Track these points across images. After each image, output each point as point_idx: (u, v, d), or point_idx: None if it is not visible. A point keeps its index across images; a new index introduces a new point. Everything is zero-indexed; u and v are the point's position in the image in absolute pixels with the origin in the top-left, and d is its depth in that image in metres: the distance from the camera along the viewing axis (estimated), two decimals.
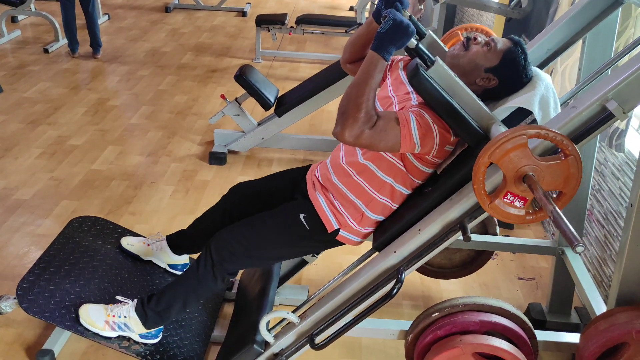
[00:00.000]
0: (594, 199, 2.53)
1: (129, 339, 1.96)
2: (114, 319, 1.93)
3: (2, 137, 3.72)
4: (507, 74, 1.65)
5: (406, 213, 1.73)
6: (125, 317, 1.93)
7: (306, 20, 5.49)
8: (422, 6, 4.76)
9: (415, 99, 1.69)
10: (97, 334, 1.92)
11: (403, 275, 1.61)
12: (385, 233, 1.77)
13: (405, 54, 1.68)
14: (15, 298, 1.95)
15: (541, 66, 1.99)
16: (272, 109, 3.60)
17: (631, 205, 1.58)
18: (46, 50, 5.40)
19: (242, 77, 3.45)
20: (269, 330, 1.85)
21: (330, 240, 1.82)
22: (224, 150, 3.63)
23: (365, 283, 1.72)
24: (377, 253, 1.79)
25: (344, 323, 1.73)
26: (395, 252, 1.66)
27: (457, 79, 1.54)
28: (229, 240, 1.83)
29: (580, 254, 1.26)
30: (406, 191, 1.75)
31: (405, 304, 2.47)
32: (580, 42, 2.00)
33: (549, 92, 1.64)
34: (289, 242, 1.84)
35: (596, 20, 1.91)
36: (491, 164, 1.36)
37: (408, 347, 1.81)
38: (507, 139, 1.32)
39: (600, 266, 2.44)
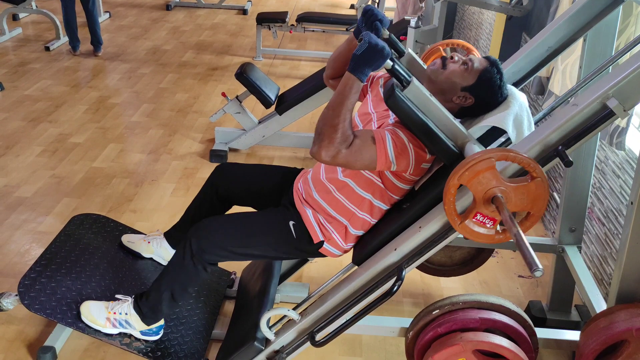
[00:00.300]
0: (595, 196, 2.53)
1: (130, 335, 1.97)
2: (115, 315, 1.93)
3: (3, 135, 3.73)
4: (483, 93, 1.68)
5: (385, 228, 1.77)
6: (126, 314, 1.94)
7: (307, 18, 5.49)
8: (422, 4, 4.76)
9: (393, 116, 1.72)
10: (99, 331, 1.93)
11: (403, 273, 1.62)
12: (364, 248, 1.80)
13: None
14: (16, 295, 1.96)
15: (542, 64, 2.00)
16: (273, 107, 3.60)
17: (631, 203, 1.58)
18: (47, 48, 5.40)
19: (243, 75, 3.45)
20: (270, 328, 1.85)
21: (313, 251, 1.85)
22: (225, 148, 3.63)
23: (366, 280, 1.73)
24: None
25: (345, 320, 1.73)
26: (395, 249, 1.67)
27: (432, 98, 1.56)
28: (211, 232, 1.83)
29: (538, 276, 1.34)
30: (385, 207, 1.79)
31: (405, 302, 2.48)
32: (581, 40, 2.00)
33: (523, 111, 1.68)
34: (273, 245, 1.85)
35: (597, 18, 1.91)
36: (461, 185, 1.39)
37: (408, 345, 1.82)
38: (475, 162, 1.36)
39: (600, 264, 2.44)
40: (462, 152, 1.58)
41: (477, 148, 1.56)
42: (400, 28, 3.67)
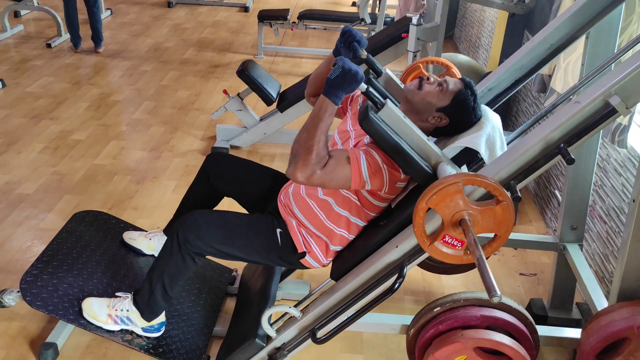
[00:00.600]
0: (596, 194, 2.53)
1: (131, 332, 1.97)
2: (117, 312, 1.94)
3: (5, 132, 3.73)
4: (457, 114, 1.71)
5: (362, 245, 1.79)
6: (127, 310, 1.94)
7: (308, 15, 5.49)
8: (424, 2, 4.75)
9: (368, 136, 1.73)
10: (100, 327, 1.94)
11: (405, 270, 1.62)
12: (342, 264, 1.82)
13: None
14: (18, 291, 1.96)
15: (544, 62, 1.99)
16: (275, 105, 3.60)
17: (633, 201, 1.58)
18: (49, 45, 5.40)
19: (245, 72, 3.45)
20: (271, 325, 1.86)
21: (295, 261, 1.87)
22: (227, 146, 3.63)
23: (367, 278, 1.73)
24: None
25: (346, 317, 1.73)
26: (397, 246, 1.67)
27: (406, 120, 1.58)
28: (198, 225, 1.83)
29: (497, 302, 1.38)
30: (362, 223, 1.82)
31: (407, 299, 2.48)
32: (583, 37, 1.99)
33: (496, 132, 1.71)
34: (257, 249, 1.86)
35: (599, 15, 1.90)
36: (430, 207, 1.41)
37: (409, 342, 1.82)
38: (443, 186, 1.38)
39: (602, 262, 2.44)
40: (436, 172, 1.60)
41: (450, 168, 1.58)
42: (402, 25, 3.67)
